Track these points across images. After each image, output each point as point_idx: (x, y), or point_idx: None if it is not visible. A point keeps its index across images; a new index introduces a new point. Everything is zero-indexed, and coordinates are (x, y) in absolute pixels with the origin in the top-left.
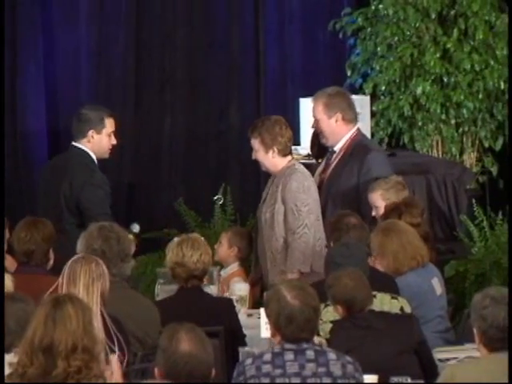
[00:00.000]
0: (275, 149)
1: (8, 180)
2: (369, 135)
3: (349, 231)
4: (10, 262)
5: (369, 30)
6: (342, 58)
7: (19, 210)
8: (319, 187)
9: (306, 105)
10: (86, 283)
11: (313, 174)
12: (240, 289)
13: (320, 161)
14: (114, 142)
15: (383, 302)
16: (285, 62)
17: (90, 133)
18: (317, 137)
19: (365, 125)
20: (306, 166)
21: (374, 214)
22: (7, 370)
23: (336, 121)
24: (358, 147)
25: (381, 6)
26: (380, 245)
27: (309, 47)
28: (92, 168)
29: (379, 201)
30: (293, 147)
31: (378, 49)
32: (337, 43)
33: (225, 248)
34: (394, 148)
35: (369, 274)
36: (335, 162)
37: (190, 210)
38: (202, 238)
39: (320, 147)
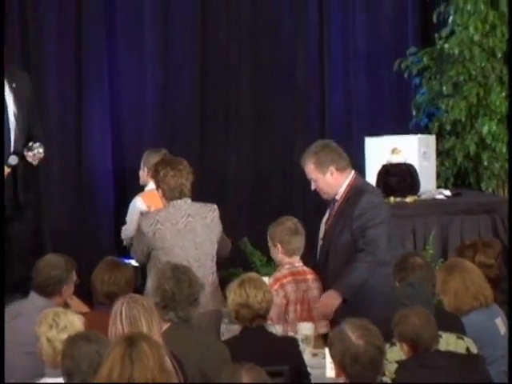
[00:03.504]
0: (160, 191)
1: (73, 223)
2: (434, 175)
3: (414, 271)
4: (77, 304)
5: (434, 69)
6: (408, 97)
7: (85, 254)
8: (324, 237)
9: (372, 144)
10: (148, 325)
11: None
12: (305, 328)
13: (386, 200)
14: None
15: (449, 342)
16: (350, 100)
17: None
18: (382, 176)
19: (430, 164)
20: None
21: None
22: None
23: (331, 174)
24: (353, 191)
25: (446, 45)
26: (443, 282)
27: (374, 86)
28: None
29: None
30: None
31: (444, 88)
32: (402, 82)
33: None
34: (460, 187)
35: (434, 313)
36: (335, 211)
37: (255, 249)
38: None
39: (386, 186)
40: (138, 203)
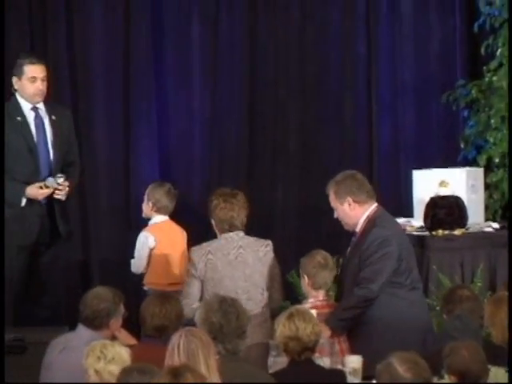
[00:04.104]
0: (213, 222)
1: (121, 255)
2: (482, 207)
3: (462, 303)
4: (125, 337)
5: (482, 102)
6: (456, 130)
7: (132, 287)
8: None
9: (419, 177)
10: (205, 359)
11: (420, 245)
12: (353, 361)
13: (434, 233)
14: (41, 86)
15: (497, 376)
16: (397, 133)
17: (14, 81)
18: (430, 208)
19: (478, 197)
20: (419, 237)
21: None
22: None
23: (349, 205)
24: (370, 224)
25: (495, 78)
26: (491, 315)
27: (422, 118)
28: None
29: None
30: (405, 219)
31: (492, 121)
32: (450, 115)
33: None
34: (508, 220)
35: (483, 346)
36: (353, 243)
37: None
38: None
39: (434, 219)
40: (146, 237)
